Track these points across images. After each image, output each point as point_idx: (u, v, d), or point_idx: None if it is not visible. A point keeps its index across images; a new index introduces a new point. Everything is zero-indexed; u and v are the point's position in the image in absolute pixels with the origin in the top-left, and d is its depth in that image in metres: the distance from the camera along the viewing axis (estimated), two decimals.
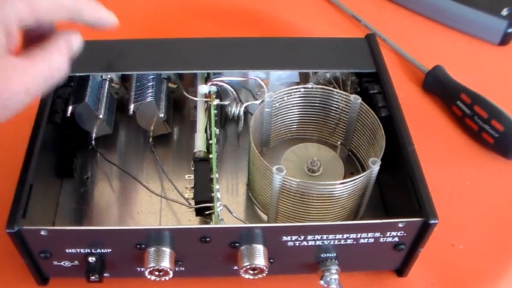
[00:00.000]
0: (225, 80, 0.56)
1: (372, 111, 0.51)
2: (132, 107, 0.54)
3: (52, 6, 0.40)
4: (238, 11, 0.77)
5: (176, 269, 0.46)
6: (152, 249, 0.44)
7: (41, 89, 0.40)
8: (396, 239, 0.46)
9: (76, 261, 0.46)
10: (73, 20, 0.42)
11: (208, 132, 0.53)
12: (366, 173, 0.46)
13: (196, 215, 0.49)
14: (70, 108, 0.53)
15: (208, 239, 0.44)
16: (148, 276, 0.45)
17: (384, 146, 0.48)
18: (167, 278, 0.45)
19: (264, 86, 0.56)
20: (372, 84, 0.55)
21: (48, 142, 0.50)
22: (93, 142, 0.55)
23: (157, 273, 0.45)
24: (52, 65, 0.40)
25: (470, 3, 0.74)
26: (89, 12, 0.43)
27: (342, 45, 0.59)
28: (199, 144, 0.52)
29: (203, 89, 0.55)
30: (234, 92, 0.56)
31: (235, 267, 0.46)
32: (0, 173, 0.54)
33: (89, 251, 0.45)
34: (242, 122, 0.58)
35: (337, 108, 0.54)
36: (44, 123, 0.50)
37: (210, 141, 0.52)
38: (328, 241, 0.45)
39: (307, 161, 0.53)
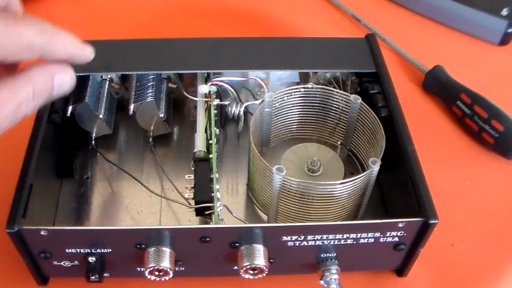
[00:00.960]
0: (225, 80, 0.56)
1: (372, 111, 0.51)
2: (132, 107, 0.54)
3: (16, 45, 0.33)
4: (238, 11, 0.77)
5: (176, 269, 0.46)
6: (152, 249, 0.44)
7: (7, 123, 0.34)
8: (396, 239, 0.46)
9: (76, 261, 0.46)
10: (43, 58, 0.36)
11: (208, 132, 0.53)
12: (366, 173, 0.46)
13: (196, 215, 0.49)
14: (70, 108, 0.53)
15: (208, 239, 0.44)
16: (148, 276, 0.45)
17: (384, 146, 0.48)
18: (167, 278, 0.45)
19: (264, 86, 0.56)
20: (372, 84, 0.55)
21: (48, 142, 0.50)
22: (93, 142, 0.55)
23: (157, 273, 0.45)
24: (20, 98, 0.35)
25: (470, 3, 0.74)
26: (62, 49, 0.37)
27: (342, 45, 0.59)
28: (199, 144, 0.52)
29: (203, 89, 0.55)
30: (234, 92, 0.56)
31: (235, 267, 0.46)
32: (0, 173, 0.54)
33: (88, 251, 0.45)
34: (242, 122, 0.58)
35: (337, 108, 0.54)
36: (44, 123, 0.50)
37: (210, 141, 0.52)
38: (328, 241, 0.45)
39: (307, 161, 0.53)
